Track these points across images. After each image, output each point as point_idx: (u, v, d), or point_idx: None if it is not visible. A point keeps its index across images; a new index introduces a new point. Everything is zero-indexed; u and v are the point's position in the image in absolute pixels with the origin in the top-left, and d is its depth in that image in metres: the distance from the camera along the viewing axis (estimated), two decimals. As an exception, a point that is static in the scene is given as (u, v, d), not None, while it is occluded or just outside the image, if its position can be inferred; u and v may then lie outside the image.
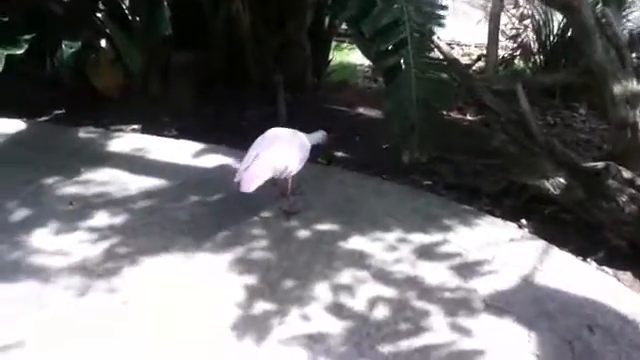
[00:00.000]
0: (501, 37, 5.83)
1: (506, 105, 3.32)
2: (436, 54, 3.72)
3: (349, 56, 6.79)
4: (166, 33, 4.61)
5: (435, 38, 3.58)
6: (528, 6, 5.67)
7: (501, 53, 6.33)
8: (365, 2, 3.50)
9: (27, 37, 4.06)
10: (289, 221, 3.28)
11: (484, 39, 5.79)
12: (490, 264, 2.84)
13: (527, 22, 5.48)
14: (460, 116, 4.43)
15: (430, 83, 3.47)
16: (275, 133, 3.30)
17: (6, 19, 4.05)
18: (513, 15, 5.69)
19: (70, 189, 3.72)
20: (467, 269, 2.82)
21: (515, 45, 5.81)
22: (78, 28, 4.80)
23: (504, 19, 5.81)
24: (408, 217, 3.29)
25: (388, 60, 3.43)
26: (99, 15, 4.86)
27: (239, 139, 4.14)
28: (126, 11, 5.06)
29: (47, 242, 3.11)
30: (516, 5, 5.81)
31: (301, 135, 3.33)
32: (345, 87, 5.78)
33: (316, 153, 3.50)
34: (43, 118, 4.98)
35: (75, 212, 3.45)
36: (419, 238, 3.11)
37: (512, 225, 3.21)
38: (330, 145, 3.65)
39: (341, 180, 3.73)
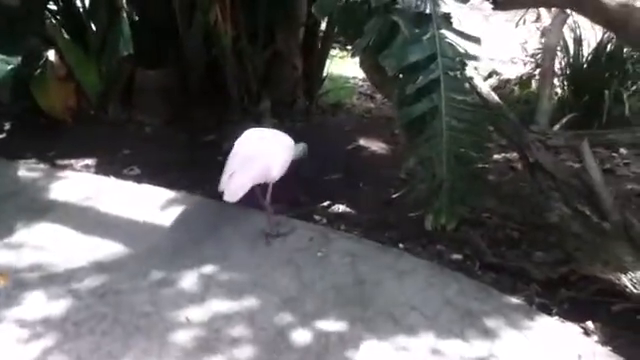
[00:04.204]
0: (518, 50, 5.15)
1: (566, 168, 2.57)
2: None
3: (340, 66, 5.93)
4: (124, 53, 3.72)
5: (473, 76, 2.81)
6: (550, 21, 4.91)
7: (516, 70, 5.65)
8: (385, 27, 2.69)
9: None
10: (270, 244, 2.96)
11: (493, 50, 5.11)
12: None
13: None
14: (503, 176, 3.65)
15: (465, 134, 2.70)
16: (257, 135, 3.13)
17: None
18: (537, 28, 4.93)
19: (-2, 255, 2.88)
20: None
21: (534, 65, 5.08)
22: (21, 38, 3.89)
23: (523, 31, 5.10)
24: (439, 313, 2.53)
25: (415, 107, 2.64)
26: (47, 22, 3.94)
27: (215, 180, 3.34)
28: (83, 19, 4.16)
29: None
30: (538, 18, 5.06)
31: (283, 136, 3.17)
32: (341, 110, 4.97)
33: (296, 168, 3.17)
34: (-25, 146, 4.08)
35: (2, 293, 2.64)
36: (456, 348, 2.35)
37: (574, 329, 2.47)
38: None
39: (348, 250, 2.95)
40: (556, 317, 2.53)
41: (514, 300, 2.61)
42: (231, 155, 3.00)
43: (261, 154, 2.98)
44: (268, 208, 3.01)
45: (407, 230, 3.11)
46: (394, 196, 3.44)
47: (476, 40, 2.73)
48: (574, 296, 2.58)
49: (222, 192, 2.88)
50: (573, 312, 2.54)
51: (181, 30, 4.21)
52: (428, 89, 2.64)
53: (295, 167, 3.17)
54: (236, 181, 2.88)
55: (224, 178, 2.91)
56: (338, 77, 5.77)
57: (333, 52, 5.01)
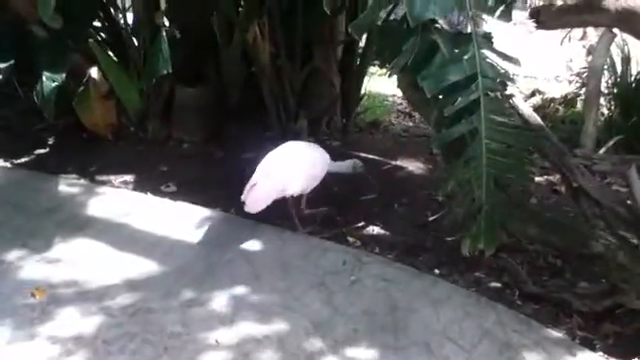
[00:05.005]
0: (563, 68, 4.99)
1: (612, 194, 2.44)
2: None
3: (378, 83, 5.86)
4: (164, 72, 3.76)
5: (514, 97, 2.71)
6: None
7: (561, 88, 5.49)
8: (424, 47, 2.63)
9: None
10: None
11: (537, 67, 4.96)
12: None
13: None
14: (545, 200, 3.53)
15: (506, 157, 2.60)
16: (289, 149, 3.12)
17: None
18: (584, 46, 4.77)
19: (35, 270, 2.96)
20: None
21: (580, 84, 4.92)
22: (64, 55, 3.98)
23: (569, 49, 4.94)
24: (476, 345, 2.43)
25: (454, 128, 2.56)
26: (90, 39, 4.02)
27: None
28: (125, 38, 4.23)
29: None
30: (583, 36, 4.91)
31: (316, 150, 3.15)
32: (378, 129, 4.91)
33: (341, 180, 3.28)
34: (20, 160, 4.17)
35: (36, 308, 2.67)
36: (494, 383, 2.25)
37: (620, 366, 2.33)
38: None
39: (381, 275, 2.87)
40: (600, 353, 2.40)
41: (555, 333, 2.49)
42: (260, 165, 3.03)
43: (284, 167, 2.98)
44: (295, 217, 3.07)
45: (443, 255, 3.03)
46: (430, 219, 3.37)
47: (516, 61, 2.64)
48: (619, 331, 2.45)
49: (244, 202, 2.88)
50: (618, 348, 2.42)
51: (220, 48, 4.24)
52: (468, 110, 2.55)
53: (350, 184, 3.27)
54: (257, 192, 2.87)
55: (248, 186, 2.92)
56: (376, 95, 5.73)
57: (372, 69, 4.98)
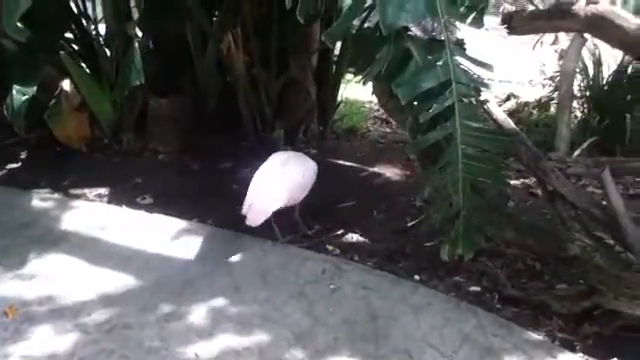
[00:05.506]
0: (536, 72, 5.05)
1: (588, 196, 2.47)
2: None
3: (355, 90, 5.86)
4: (136, 83, 3.72)
5: (489, 102, 2.73)
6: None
7: (534, 92, 5.55)
8: (397, 54, 2.64)
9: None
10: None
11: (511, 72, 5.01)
12: None
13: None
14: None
15: (481, 162, 2.62)
16: (281, 159, 3.20)
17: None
18: (556, 51, 4.84)
19: (8, 287, 2.88)
20: None
21: (553, 88, 4.99)
22: (35, 68, 3.92)
23: (541, 53, 5.00)
24: (457, 351, 2.42)
25: (429, 135, 2.57)
26: (62, 52, 3.95)
27: (228, 209, 3.37)
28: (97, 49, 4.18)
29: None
30: (555, 40, 4.98)
31: (307, 160, 3.26)
32: (355, 136, 4.92)
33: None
34: (-8, 175, 4.09)
35: (9, 326, 2.60)
36: (476, 388, 2.25)
37: (601, 368, 2.35)
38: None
39: (360, 282, 2.86)
40: (580, 354, 2.40)
41: (535, 336, 2.49)
42: (254, 179, 3.08)
43: (285, 178, 3.07)
44: (299, 220, 3.22)
45: (423, 260, 3.02)
46: (409, 225, 3.37)
47: (489, 67, 2.66)
48: (599, 331, 2.45)
49: (245, 215, 2.96)
50: (598, 348, 2.41)
51: (195, 58, 4.21)
52: (443, 116, 2.56)
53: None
54: (259, 205, 2.96)
55: (247, 202, 2.99)
56: (353, 102, 5.73)
57: (348, 77, 4.99)
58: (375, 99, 5.05)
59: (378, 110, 5.67)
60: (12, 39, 3.56)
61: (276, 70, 4.24)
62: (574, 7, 2.61)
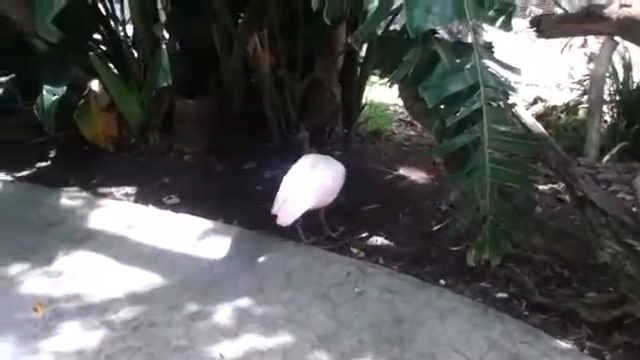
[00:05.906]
0: (564, 76, 4.98)
1: (618, 203, 2.42)
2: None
3: (380, 93, 5.86)
4: (163, 84, 3.75)
5: (516, 106, 2.70)
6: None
7: (562, 96, 5.47)
8: (426, 56, 2.62)
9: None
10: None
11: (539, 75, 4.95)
12: None
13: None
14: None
15: (509, 167, 2.58)
16: (310, 162, 3.24)
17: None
18: (585, 54, 4.77)
19: (37, 284, 2.92)
20: None
21: (582, 92, 4.91)
22: (65, 68, 3.98)
23: (570, 56, 4.93)
24: (484, 356, 2.40)
25: (456, 139, 2.55)
26: (91, 53, 4.01)
27: (253, 209, 3.42)
28: (125, 50, 4.23)
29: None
30: (584, 43, 4.90)
31: (336, 163, 3.31)
32: (380, 138, 4.89)
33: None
34: (22, 173, 4.16)
35: (39, 323, 2.64)
36: (502, 395, 2.22)
37: (630, 379, 2.30)
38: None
39: (385, 287, 2.85)
40: (611, 365, 2.37)
41: (564, 344, 2.46)
42: (285, 180, 3.10)
43: (316, 180, 3.11)
44: (324, 222, 3.25)
45: (449, 265, 3.00)
46: (435, 229, 3.35)
47: (517, 70, 2.62)
48: (629, 341, 2.41)
49: (276, 215, 2.99)
50: (628, 358, 2.37)
51: (221, 59, 4.24)
52: (470, 120, 2.54)
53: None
54: (290, 206, 2.99)
55: (278, 202, 3.02)
56: (378, 104, 5.71)
57: (373, 79, 4.97)
58: (400, 102, 5.05)
59: (403, 113, 5.64)
60: (43, 39, 3.63)
61: (301, 71, 4.24)
62: (606, 10, 2.57)
